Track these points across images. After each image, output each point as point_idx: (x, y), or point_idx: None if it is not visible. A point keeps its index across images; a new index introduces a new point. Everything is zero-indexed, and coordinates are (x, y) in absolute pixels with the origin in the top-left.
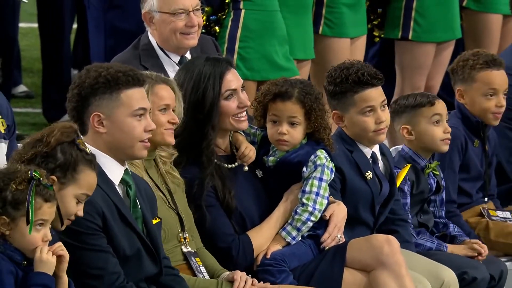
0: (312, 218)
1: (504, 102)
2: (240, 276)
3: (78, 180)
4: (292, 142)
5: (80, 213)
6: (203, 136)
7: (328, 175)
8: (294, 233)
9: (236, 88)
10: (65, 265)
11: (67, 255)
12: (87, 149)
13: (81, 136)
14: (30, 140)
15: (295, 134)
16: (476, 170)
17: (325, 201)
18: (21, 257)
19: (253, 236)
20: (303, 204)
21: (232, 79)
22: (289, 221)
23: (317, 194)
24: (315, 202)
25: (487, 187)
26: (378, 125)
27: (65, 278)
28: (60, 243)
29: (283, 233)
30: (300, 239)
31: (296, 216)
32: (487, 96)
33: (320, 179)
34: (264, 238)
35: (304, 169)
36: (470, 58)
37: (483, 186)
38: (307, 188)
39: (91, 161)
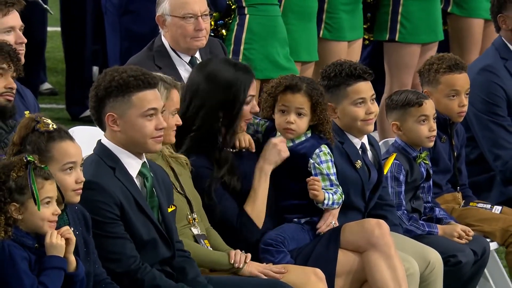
0: (336, 206)
1: (466, 102)
2: (234, 252)
3: (53, 156)
4: (297, 131)
5: (79, 179)
6: (219, 133)
7: (334, 168)
8: (330, 201)
9: (254, 94)
10: (71, 247)
11: (73, 238)
12: (50, 126)
13: (42, 119)
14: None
15: (301, 124)
16: (445, 163)
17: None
18: (32, 241)
19: (249, 209)
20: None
21: (253, 86)
22: (331, 192)
23: (338, 185)
24: (342, 194)
25: (457, 178)
26: (368, 115)
27: (72, 259)
28: (67, 227)
29: (326, 195)
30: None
31: (338, 194)
32: (449, 97)
33: (334, 174)
34: (259, 206)
35: (311, 160)
36: (435, 62)
37: (454, 177)
38: (334, 182)
39: (56, 134)
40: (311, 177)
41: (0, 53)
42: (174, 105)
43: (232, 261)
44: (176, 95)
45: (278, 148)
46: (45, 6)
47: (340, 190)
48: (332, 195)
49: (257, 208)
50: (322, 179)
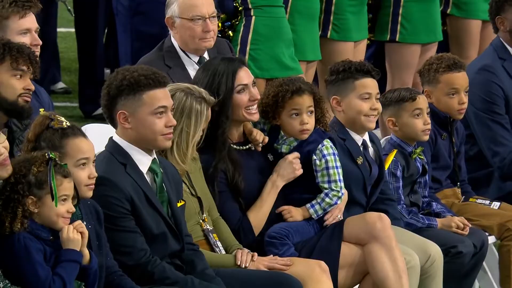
0: (339, 202)
1: (465, 100)
2: (241, 253)
3: (67, 152)
4: (311, 129)
5: (92, 175)
6: (218, 125)
7: (338, 161)
8: (320, 212)
9: (247, 83)
10: (85, 240)
11: (86, 232)
12: (64, 123)
13: (56, 117)
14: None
15: (312, 122)
16: (445, 160)
17: (343, 184)
18: (47, 234)
19: (251, 216)
20: (332, 190)
21: (244, 75)
22: (318, 201)
23: (340, 180)
24: (341, 187)
25: (457, 174)
26: (372, 111)
27: (86, 252)
28: (79, 221)
29: (311, 210)
30: (321, 213)
31: (327, 200)
32: (449, 95)
33: (337, 167)
34: (261, 216)
35: (314, 156)
36: (434, 62)
37: (453, 173)
38: (332, 178)
39: (70, 131)
40: (280, 208)
41: (21, 56)
42: (208, 119)
43: (239, 262)
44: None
45: (294, 166)
46: (69, 8)
47: (333, 190)
48: (320, 204)
49: (259, 217)
50: (321, 174)
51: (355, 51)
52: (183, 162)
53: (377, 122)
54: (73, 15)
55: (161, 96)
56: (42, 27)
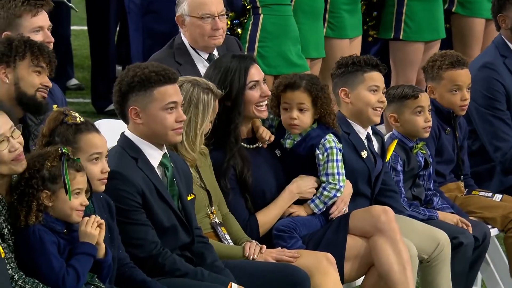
0: (338, 194)
1: (468, 96)
2: (249, 245)
3: (80, 147)
4: (302, 126)
5: (105, 169)
6: (230, 120)
7: (340, 155)
8: (321, 206)
9: (258, 79)
10: (103, 232)
11: (103, 224)
12: (78, 119)
13: (70, 113)
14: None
15: (304, 119)
16: (449, 154)
17: (344, 177)
18: (61, 227)
19: (260, 217)
20: (330, 183)
21: (255, 72)
22: (317, 196)
23: (339, 173)
24: (339, 180)
25: (461, 168)
26: (379, 103)
27: (103, 245)
28: (94, 215)
29: (312, 205)
30: (322, 207)
31: (325, 193)
32: (452, 92)
33: (337, 161)
34: (270, 218)
35: (318, 151)
36: (438, 59)
37: (457, 167)
38: (330, 171)
39: (83, 127)
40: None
41: (42, 53)
42: (215, 113)
43: (247, 254)
44: (217, 104)
45: (312, 187)
46: (70, 4)
47: (330, 183)
48: (319, 198)
49: (268, 220)
50: (322, 168)
51: (350, 47)
52: (193, 151)
53: (381, 117)
54: (77, 10)
55: (172, 92)
56: (55, 25)
